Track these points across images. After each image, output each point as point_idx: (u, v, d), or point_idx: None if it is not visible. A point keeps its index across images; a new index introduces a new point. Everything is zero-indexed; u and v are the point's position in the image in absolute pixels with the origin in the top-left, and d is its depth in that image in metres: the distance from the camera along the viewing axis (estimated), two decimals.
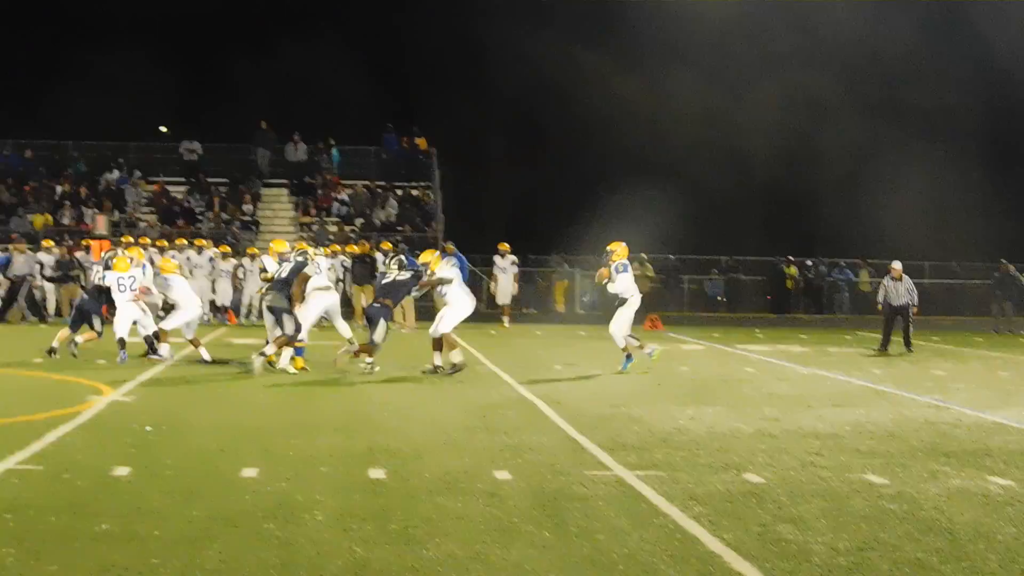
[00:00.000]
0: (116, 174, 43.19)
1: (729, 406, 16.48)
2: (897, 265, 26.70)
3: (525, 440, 13.17)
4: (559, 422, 14.62)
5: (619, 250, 20.97)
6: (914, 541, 8.85)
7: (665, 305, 38.42)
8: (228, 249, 34.31)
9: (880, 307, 26.80)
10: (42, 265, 32.45)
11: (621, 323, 20.76)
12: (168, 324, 21.29)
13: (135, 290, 20.90)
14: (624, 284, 20.73)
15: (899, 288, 26.40)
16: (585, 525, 9.18)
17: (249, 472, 10.96)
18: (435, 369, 19.75)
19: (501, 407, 16.07)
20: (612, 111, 50.50)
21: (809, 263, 44.93)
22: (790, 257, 44.51)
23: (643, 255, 39.35)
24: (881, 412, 16.11)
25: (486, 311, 34.39)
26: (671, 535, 8.94)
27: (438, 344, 19.84)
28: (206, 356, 20.81)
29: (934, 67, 47.32)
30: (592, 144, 51.82)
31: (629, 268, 20.96)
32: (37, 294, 32.74)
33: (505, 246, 34.09)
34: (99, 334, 21.15)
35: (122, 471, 10.93)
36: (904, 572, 8.05)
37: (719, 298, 44.71)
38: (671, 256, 44.57)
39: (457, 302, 20.07)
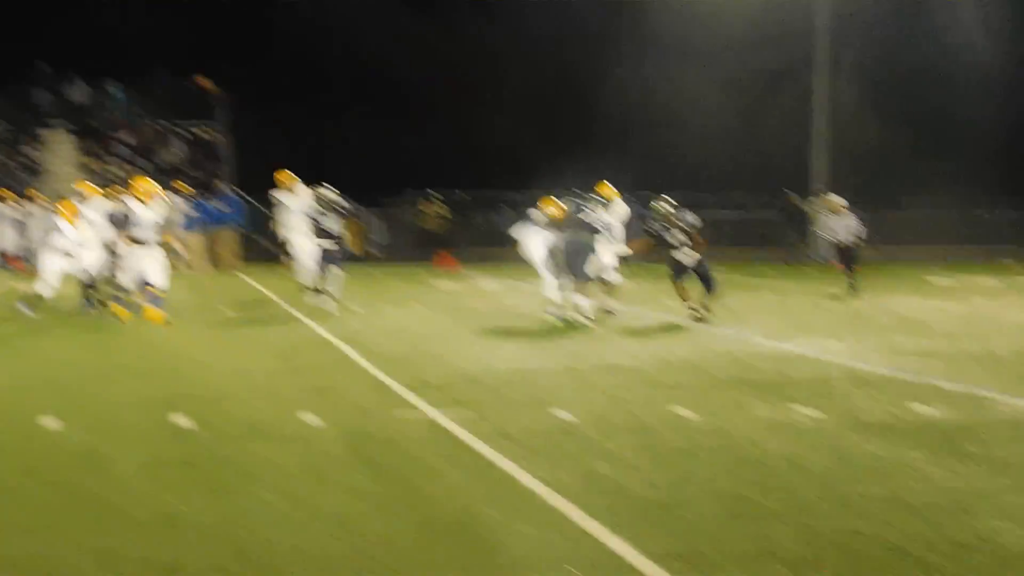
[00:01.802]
0: None
1: (530, 343, 16.53)
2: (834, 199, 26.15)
3: (330, 382, 13.03)
4: (362, 362, 14.49)
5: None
6: (730, 473, 8.90)
7: (457, 242, 38.26)
8: (10, 194, 33.29)
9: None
10: None
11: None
12: None
13: None
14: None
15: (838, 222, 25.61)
16: (399, 467, 9.06)
17: (50, 423, 10.59)
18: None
19: (303, 349, 15.89)
20: (403, 47, 49.86)
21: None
22: (575, 189, 44.65)
23: (430, 191, 39.14)
24: (681, 344, 16.32)
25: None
26: (486, 473, 8.88)
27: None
28: None
29: None
30: (378, 82, 51.13)
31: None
32: None
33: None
34: None
35: None
36: (725, 505, 8.05)
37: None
38: (458, 191, 44.35)
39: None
